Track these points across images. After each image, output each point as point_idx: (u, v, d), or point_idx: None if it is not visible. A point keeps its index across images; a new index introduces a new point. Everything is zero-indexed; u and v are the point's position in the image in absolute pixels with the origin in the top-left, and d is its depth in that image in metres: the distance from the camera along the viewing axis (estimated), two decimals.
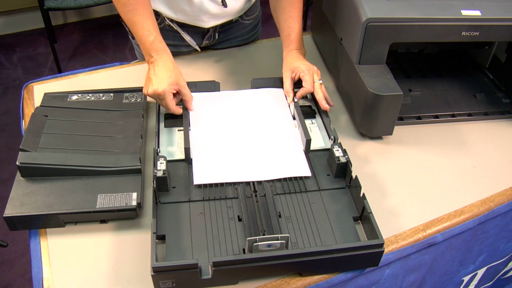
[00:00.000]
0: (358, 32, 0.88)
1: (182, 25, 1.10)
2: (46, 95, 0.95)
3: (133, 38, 1.13)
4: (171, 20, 1.08)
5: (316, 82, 0.95)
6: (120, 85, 1.00)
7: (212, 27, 1.12)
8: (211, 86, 1.01)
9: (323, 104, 0.94)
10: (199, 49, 1.16)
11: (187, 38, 1.11)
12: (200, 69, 1.14)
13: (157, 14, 1.07)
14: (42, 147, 0.80)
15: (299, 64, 0.96)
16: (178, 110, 0.92)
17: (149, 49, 0.91)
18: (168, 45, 0.94)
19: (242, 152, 0.86)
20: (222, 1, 1.04)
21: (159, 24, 1.06)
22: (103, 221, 0.75)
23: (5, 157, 2.06)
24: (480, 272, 1.04)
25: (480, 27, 0.89)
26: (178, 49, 1.15)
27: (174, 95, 0.92)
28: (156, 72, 0.89)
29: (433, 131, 0.98)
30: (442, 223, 0.79)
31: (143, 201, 0.79)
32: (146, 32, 0.90)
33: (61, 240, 0.73)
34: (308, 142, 0.86)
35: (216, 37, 1.15)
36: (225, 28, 1.15)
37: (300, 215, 0.76)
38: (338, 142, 0.85)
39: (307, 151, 0.87)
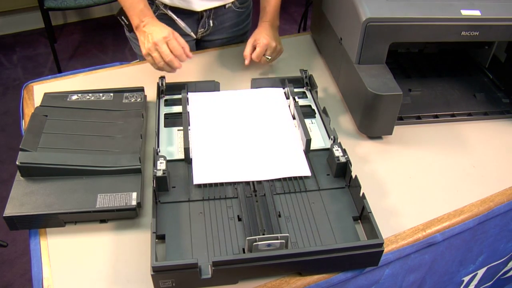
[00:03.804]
0: (358, 32, 0.88)
1: (176, 11, 1.11)
2: (46, 95, 0.95)
3: (130, 32, 1.13)
4: (165, 7, 1.10)
5: (263, 57, 1.07)
6: (120, 85, 1.00)
7: (205, 11, 1.15)
8: (211, 86, 1.01)
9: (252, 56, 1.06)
10: (194, 36, 1.17)
11: (182, 24, 1.13)
12: (200, 69, 1.14)
13: (151, 2, 1.08)
14: (42, 147, 0.80)
15: (262, 36, 1.06)
16: (184, 54, 0.95)
17: (139, 15, 0.95)
18: None
19: (242, 152, 0.86)
20: None
21: (153, 12, 1.07)
22: (103, 221, 0.75)
23: (5, 157, 2.06)
24: (480, 272, 1.04)
25: (480, 27, 0.89)
26: None
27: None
28: (152, 29, 0.93)
29: (433, 131, 0.98)
30: (442, 222, 0.79)
31: (143, 201, 0.79)
32: (136, 0, 0.95)
33: (61, 240, 0.73)
34: (308, 142, 0.86)
35: (211, 24, 1.17)
36: (218, 15, 1.17)
37: (300, 215, 0.76)
38: (338, 142, 0.85)
39: (307, 151, 0.87)
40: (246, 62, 1.08)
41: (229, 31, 1.23)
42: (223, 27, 1.21)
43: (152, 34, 0.92)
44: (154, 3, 1.10)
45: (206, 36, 1.22)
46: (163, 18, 1.11)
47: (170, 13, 1.12)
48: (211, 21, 1.17)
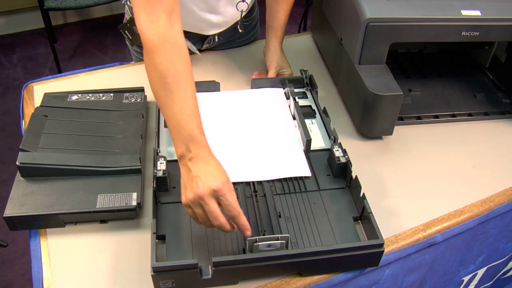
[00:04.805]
0: (358, 32, 0.88)
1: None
2: (46, 95, 0.95)
3: (132, 45, 1.12)
4: None
5: None
6: (120, 85, 1.00)
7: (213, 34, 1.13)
8: (211, 86, 1.01)
9: None
10: (199, 54, 1.16)
11: (188, 43, 1.11)
12: (200, 69, 1.13)
13: None
14: (42, 147, 0.80)
15: (287, 67, 1.08)
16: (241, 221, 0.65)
17: (186, 140, 0.67)
18: None
19: (242, 152, 0.86)
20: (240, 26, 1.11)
21: None
22: (103, 221, 0.75)
23: (5, 157, 2.06)
24: (480, 272, 1.04)
25: (480, 27, 0.89)
26: None
27: None
28: (201, 169, 0.65)
29: (433, 131, 0.98)
30: (442, 223, 0.79)
31: (143, 201, 0.79)
32: (186, 117, 0.67)
33: (61, 240, 0.73)
34: (308, 142, 0.86)
35: (216, 40, 1.15)
36: (225, 31, 1.15)
37: (300, 215, 0.76)
38: (338, 142, 0.85)
39: (307, 151, 0.87)
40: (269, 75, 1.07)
41: (233, 42, 1.21)
42: (229, 40, 1.20)
43: (200, 179, 0.64)
44: None
45: (212, 48, 1.20)
46: None
47: None
48: (216, 37, 1.15)
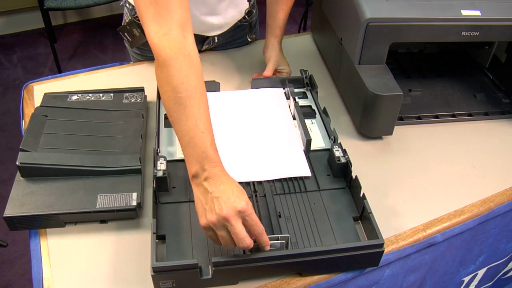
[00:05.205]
0: (358, 32, 0.88)
1: None
2: (46, 95, 0.95)
3: (131, 47, 1.12)
4: None
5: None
6: (120, 85, 1.00)
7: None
8: (211, 86, 1.01)
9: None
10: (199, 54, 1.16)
11: None
12: None
13: None
14: (42, 147, 0.80)
15: (286, 66, 1.08)
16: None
17: (201, 158, 0.64)
18: None
19: (242, 152, 0.86)
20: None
21: None
22: (103, 221, 0.75)
23: (5, 157, 2.06)
24: (481, 273, 1.04)
25: (480, 27, 0.89)
26: None
27: None
28: (220, 189, 0.62)
29: (433, 131, 0.98)
30: (442, 223, 0.79)
31: (143, 201, 0.79)
32: (200, 134, 0.65)
33: (61, 240, 0.73)
34: (308, 142, 0.86)
35: (216, 41, 1.15)
36: (225, 32, 1.15)
37: (300, 215, 0.76)
38: (338, 142, 0.85)
39: (307, 151, 0.87)
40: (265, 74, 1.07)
41: (233, 43, 1.21)
42: (228, 41, 1.19)
43: (222, 200, 0.61)
44: None
45: (212, 48, 1.20)
46: None
47: None
48: (216, 38, 1.15)
